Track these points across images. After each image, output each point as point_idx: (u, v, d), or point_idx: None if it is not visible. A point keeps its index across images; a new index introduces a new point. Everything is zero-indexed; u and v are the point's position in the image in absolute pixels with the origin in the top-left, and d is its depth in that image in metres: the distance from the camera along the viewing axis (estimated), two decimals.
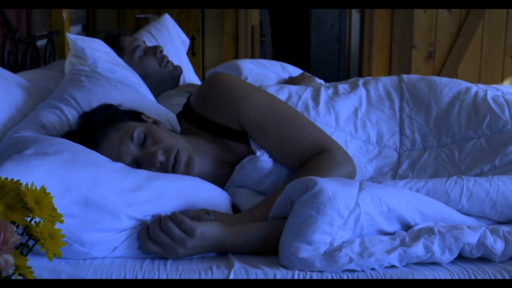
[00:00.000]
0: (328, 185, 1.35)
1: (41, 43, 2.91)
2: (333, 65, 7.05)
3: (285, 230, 1.34)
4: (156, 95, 2.54)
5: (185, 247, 1.35)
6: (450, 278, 1.30)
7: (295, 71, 2.67)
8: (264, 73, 2.55)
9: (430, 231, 1.37)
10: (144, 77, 2.49)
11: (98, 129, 1.59)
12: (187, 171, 1.60)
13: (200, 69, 4.25)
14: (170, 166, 1.58)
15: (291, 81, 2.50)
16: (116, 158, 1.54)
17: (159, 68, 2.59)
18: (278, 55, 6.80)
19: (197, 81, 3.27)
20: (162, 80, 2.60)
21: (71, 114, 1.78)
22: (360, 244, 1.33)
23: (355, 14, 6.34)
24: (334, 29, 7.02)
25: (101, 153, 1.52)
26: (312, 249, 1.31)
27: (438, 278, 1.30)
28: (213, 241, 1.37)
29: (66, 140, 1.52)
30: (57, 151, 1.39)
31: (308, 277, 1.28)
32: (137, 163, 1.57)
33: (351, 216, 1.35)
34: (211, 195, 1.54)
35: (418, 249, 1.32)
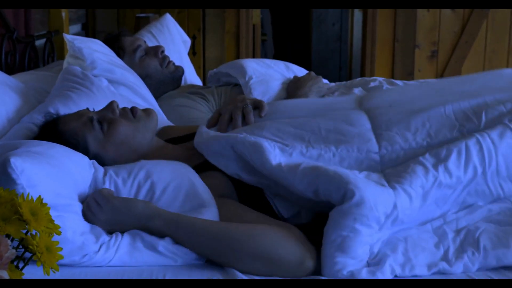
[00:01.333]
0: (368, 193, 1.31)
1: (40, 42, 2.85)
2: (334, 64, 7.00)
3: (327, 240, 1.30)
4: (157, 96, 2.49)
5: (101, 220, 1.34)
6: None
7: (300, 71, 2.62)
8: (269, 73, 2.50)
9: (476, 243, 1.33)
10: (145, 77, 2.45)
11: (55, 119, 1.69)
12: (147, 115, 1.67)
13: (201, 69, 4.19)
14: (129, 111, 1.66)
15: (296, 80, 2.45)
16: (77, 117, 1.62)
17: (161, 68, 2.55)
18: (280, 54, 6.75)
19: (198, 81, 3.21)
20: (163, 81, 2.55)
21: None
22: (403, 252, 1.31)
23: (357, 12, 6.29)
24: (335, 27, 6.97)
25: (64, 127, 1.59)
26: (357, 262, 1.29)
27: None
28: (135, 218, 1.34)
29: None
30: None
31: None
32: (98, 115, 1.63)
33: (388, 220, 1.33)
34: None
35: (457, 270, 1.30)
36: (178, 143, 1.77)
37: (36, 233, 0.92)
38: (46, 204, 0.94)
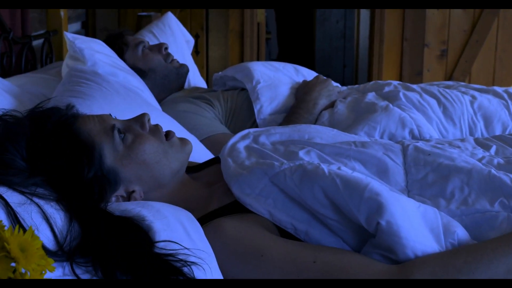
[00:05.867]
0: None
1: (37, 42, 2.74)
2: (338, 62, 6.90)
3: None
4: (160, 99, 2.38)
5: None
6: None
7: (310, 74, 2.50)
8: (277, 77, 2.38)
9: None
10: (149, 72, 2.35)
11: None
12: (183, 144, 1.42)
13: (204, 68, 4.07)
14: (162, 130, 1.40)
15: (305, 85, 2.34)
16: (98, 119, 1.34)
17: (165, 63, 2.44)
18: (284, 52, 6.65)
19: (202, 83, 3.10)
20: (168, 75, 2.44)
21: None
22: None
23: (364, 10, 6.18)
24: (339, 25, 6.87)
25: (82, 125, 1.30)
26: None
27: None
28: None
29: None
30: None
31: None
32: (123, 125, 1.37)
33: None
34: None
35: None
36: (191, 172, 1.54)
37: (26, 271, 0.80)
38: (38, 237, 0.83)
